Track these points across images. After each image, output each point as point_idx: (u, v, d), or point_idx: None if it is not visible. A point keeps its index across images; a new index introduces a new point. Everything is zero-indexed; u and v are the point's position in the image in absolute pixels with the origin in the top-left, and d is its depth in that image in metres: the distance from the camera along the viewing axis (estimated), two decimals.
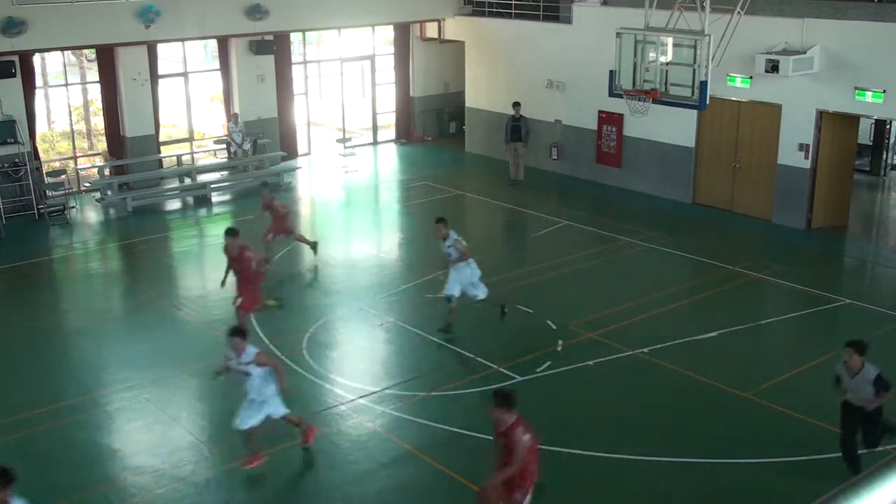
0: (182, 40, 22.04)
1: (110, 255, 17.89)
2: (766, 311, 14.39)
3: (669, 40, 15.45)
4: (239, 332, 9.63)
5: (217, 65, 23.37)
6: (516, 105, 21.45)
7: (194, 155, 23.34)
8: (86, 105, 25.65)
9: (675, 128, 19.66)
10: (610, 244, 17.38)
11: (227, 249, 12.67)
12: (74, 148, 22.31)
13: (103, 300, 15.45)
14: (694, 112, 18.32)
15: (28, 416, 11.09)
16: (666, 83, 15.49)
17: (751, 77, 17.86)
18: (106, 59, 21.07)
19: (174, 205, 20.88)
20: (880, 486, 2.06)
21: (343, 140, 24.29)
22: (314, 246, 16.67)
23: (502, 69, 23.45)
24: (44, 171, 20.39)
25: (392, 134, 26.61)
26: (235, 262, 12.53)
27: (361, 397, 11.42)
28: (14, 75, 19.23)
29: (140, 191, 20.78)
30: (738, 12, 16.12)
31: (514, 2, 23.20)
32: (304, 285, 15.92)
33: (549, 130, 22.34)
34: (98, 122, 23.65)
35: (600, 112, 21.11)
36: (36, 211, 19.47)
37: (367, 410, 11.14)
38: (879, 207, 20.90)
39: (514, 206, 20.09)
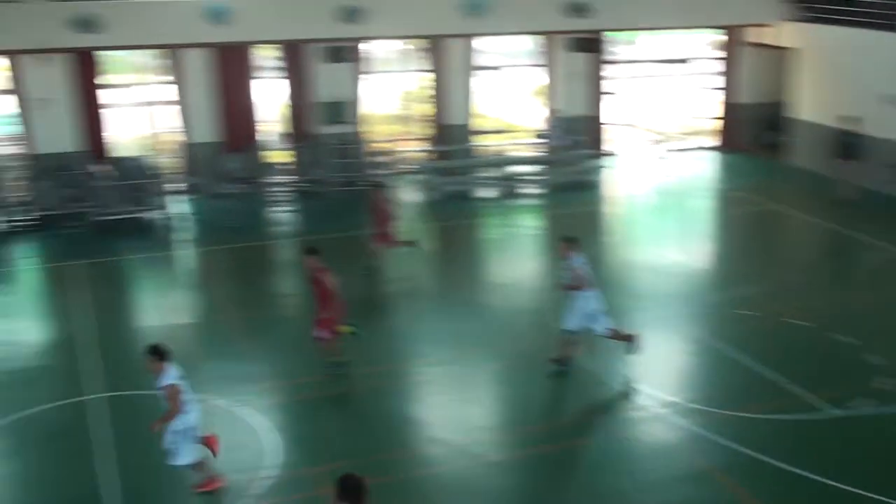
0: (502, 35, 22.63)
1: (430, 234, 18.62)
2: None
3: None
4: (155, 351, 8.67)
5: (537, 60, 23.75)
6: (852, 119, 19.75)
7: (509, 146, 23.99)
8: (414, 91, 27.20)
9: None
10: None
11: (304, 267, 11.87)
12: (398, 132, 23.73)
13: (419, 274, 16.24)
14: None
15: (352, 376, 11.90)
16: None
17: None
18: (436, 49, 22.17)
19: (485, 193, 21.45)
20: None
21: (658, 142, 23.78)
22: (412, 246, 16.36)
23: (833, 79, 21.71)
24: (370, 151, 21.89)
25: (709, 141, 25.62)
26: (313, 283, 11.69)
27: (663, 406, 11.03)
28: (352, 60, 20.90)
29: (454, 177, 21.60)
30: None
31: (855, 8, 21.34)
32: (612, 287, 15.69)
33: (886, 148, 20.34)
34: (418, 108, 24.98)
35: None
36: (359, 186, 20.85)
37: (665, 420, 10.73)
38: None
39: (839, 227, 18.52)
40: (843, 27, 21.65)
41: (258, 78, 21.45)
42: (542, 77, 23.50)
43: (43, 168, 19.11)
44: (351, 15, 19.82)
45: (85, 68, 19.87)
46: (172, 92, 20.94)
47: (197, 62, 20.46)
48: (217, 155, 20.85)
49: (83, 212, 18.70)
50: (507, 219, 19.94)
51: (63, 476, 9.86)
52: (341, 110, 21.10)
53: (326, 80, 21.16)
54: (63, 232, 18.39)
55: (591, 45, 22.70)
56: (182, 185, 20.94)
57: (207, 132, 20.87)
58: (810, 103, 22.57)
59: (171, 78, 20.94)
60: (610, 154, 24.27)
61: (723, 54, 24.83)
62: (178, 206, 19.78)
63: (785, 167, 23.28)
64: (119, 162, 19.69)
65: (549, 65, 23.30)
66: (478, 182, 21.89)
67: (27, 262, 17.17)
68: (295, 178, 21.38)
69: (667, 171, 22.90)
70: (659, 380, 11.80)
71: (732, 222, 19.05)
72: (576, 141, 22.88)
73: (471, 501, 9.30)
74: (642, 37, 25.91)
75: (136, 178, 19.03)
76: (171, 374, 8.73)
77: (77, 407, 11.26)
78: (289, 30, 20.10)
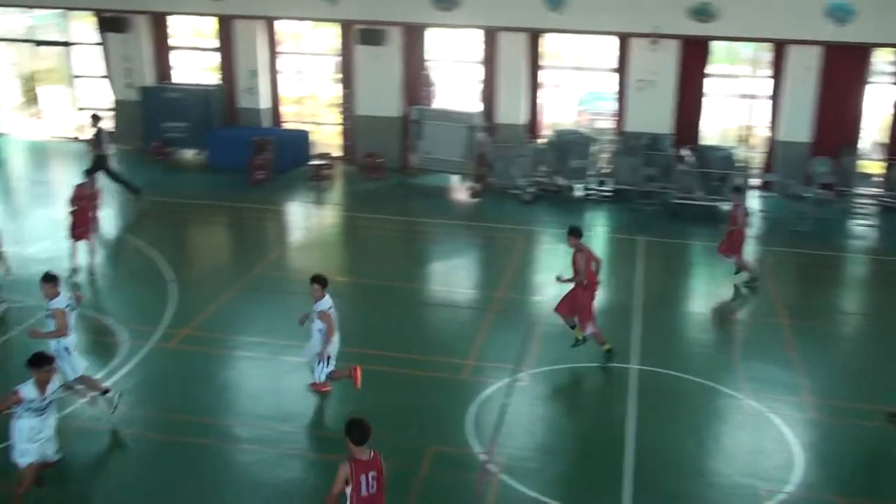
0: None
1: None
2: None
3: None
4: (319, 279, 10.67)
5: None
6: None
7: None
8: None
9: None
10: None
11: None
12: None
13: None
14: None
15: None
16: None
17: None
18: None
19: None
20: None
21: None
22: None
23: None
24: None
25: None
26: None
27: None
28: None
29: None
30: None
31: None
32: None
33: None
34: None
35: None
36: None
37: None
38: None
39: None
40: None
41: (872, 83, 20.02)
42: None
43: (629, 145, 20.21)
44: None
45: (692, 55, 20.42)
46: (770, 86, 20.55)
47: (803, 59, 19.72)
48: (804, 156, 20.00)
49: (660, 192, 19.41)
50: None
51: (587, 427, 10.54)
52: None
53: None
54: (635, 207, 19.32)
55: None
56: (760, 180, 20.56)
57: (799, 131, 20.10)
58: None
59: (770, 72, 20.55)
60: None
61: None
62: (751, 201, 19.47)
63: None
64: (704, 150, 19.96)
65: None
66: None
67: (597, 230, 18.41)
68: (882, 191, 19.63)
69: None
70: None
71: None
72: None
73: None
74: None
75: (719, 167, 19.14)
76: (327, 302, 10.61)
77: (609, 371, 11.86)
78: None
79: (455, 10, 20.02)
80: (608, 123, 21.74)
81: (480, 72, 21.68)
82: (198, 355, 12.12)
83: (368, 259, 16.47)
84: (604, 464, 9.72)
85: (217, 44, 22.92)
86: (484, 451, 9.85)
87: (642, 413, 10.68)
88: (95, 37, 22.90)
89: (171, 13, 22.26)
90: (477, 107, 21.64)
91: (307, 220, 19.11)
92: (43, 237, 16.19)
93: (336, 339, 10.88)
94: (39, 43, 23.89)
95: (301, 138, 22.37)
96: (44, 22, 24.11)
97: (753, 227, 15.90)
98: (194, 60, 23.57)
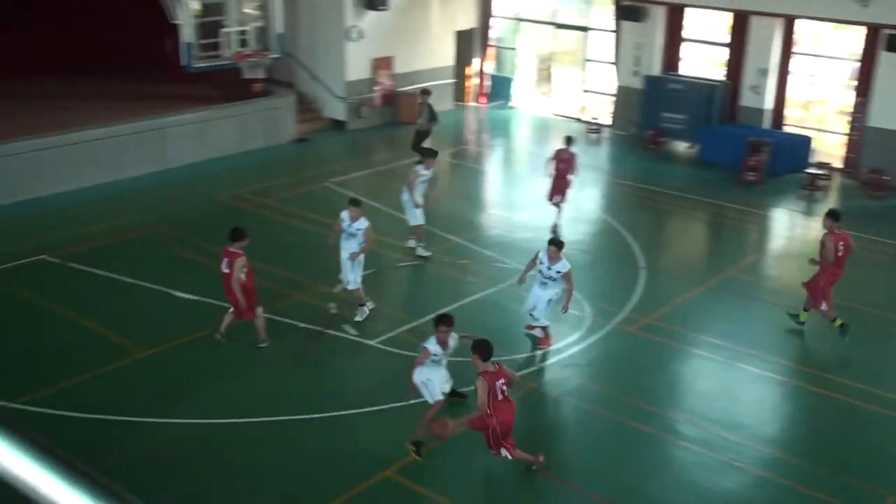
0: None
1: None
2: None
3: None
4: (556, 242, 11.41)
5: None
6: None
7: None
8: None
9: None
10: None
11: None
12: None
13: None
14: None
15: None
16: None
17: None
18: None
19: None
20: None
21: None
22: None
23: None
24: None
25: None
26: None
27: None
28: None
29: None
30: None
31: None
32: None
33: None
34: None
35: None
36: None
37: None
38: None
39: None
40: None
41: None
42: None
43: None
44: None
45: None
46: None
47: None
48: None
49: None
50: None
51: None
52: None
53: None
54: None
55: None
56: None
57: None
58: None
59: None
60: None
61: None
62: None
63: None
64: None
65: None
66: None
67: None
68: None
69: None
70: None
71: None
72: None
73: None
74: None
75: None
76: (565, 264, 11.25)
77: None
78: None
79: None
80: None
81: None
82: (656, 345, 12.07)
83: (862, 282, 14.72)
84: None
85: (728, 39, 22.47)
86: None
87: None
88: (611, 24, 23.76)
89: (689, 5, 22.27)
90: None
91: (791, 230, 18.01)
92: (530, 205, 17.27)
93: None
94: (560, 26, 25.46)
95: (801, 144, 21.09)
96: (567, 6, 25.62)
97: None
98: (703, 54, 23.37)
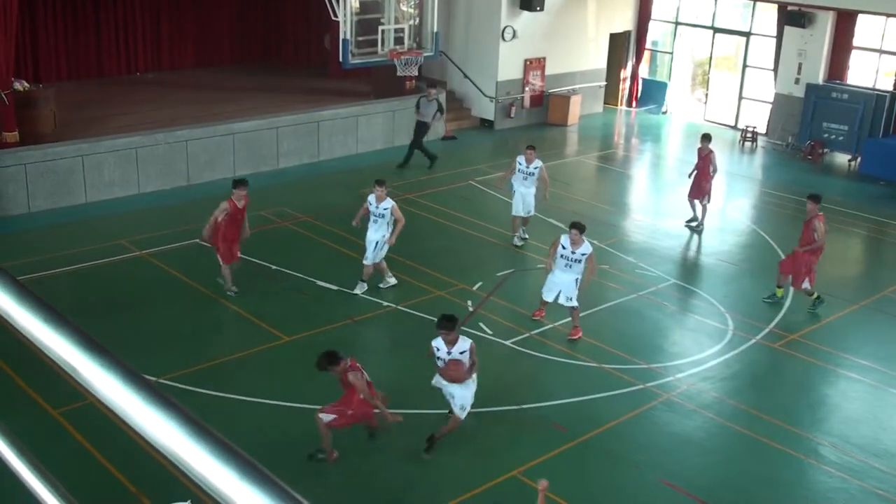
0: None
1: None
2: None
3: None
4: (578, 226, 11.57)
5: None
6: None
7: None
8: None
9: None
10: None
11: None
12: None
13: None
14: None
15: None
16: None
17: None
18: None
19: None
20: None
21: None
22: None
23: None
24: None
25: None
26: None
27: None
28: None
29: None
30: None
31: None
32: None
33: None
34: None
35: None
36: None
37: None
38: None
39: None
40: None
41: None
42: None
43: None
44: None
45: None
46: None
47: None
48: None
49: None
50: None
51: None
52: None
53: None
54: None
55: None
56: None
57: None
58: None
59: None
60: None
61: None
62: None
63: None
64: None
65: None
66: None
67: None
68: None
69: None
70: None
71: None
72: None
73: None
74: None
75: None
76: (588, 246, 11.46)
77: None
78: None
79: None
80: None
81: None
82: (800, 363, 11.61)
83: None
84: None
85: None
86: None
87: None
88: (773, 29, 22.91)
89: (862, 12, 21.20)
90: None
91: None
92: (676, 213, 16.89)
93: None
94: (719, 30, 24.74)
95: None
96: (728, 10, 24.87)
97: None
98: (872, 63, 22.21)
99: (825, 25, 21.87)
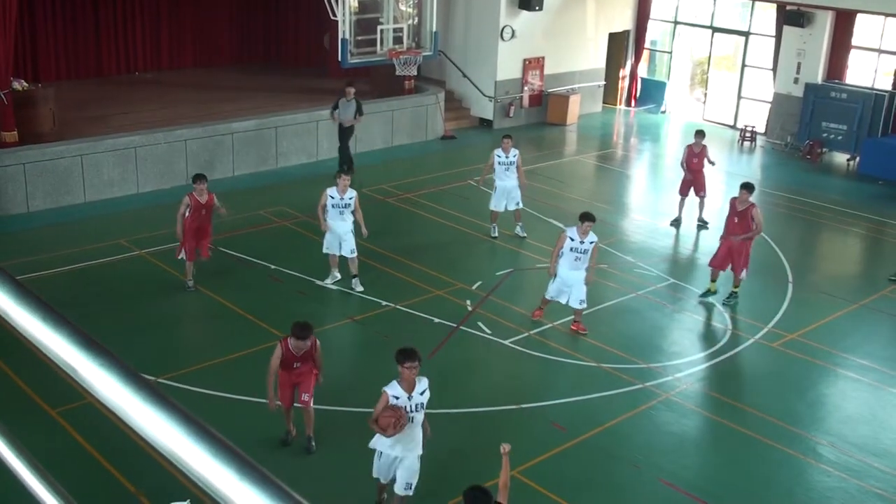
0: None
1: None
2: None
3: None
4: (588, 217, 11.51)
5: None
6: None
7: None
8: None
9: None
10: None
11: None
12: None
13: None
14: None
15: None
16: None
17: None
18: None
19: None
20: None
21: None
22: None
23: None
24: None
25: None
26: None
27: None
28: None
29: None
30: None
31: None
32: None
33: None
34: None
35: None
36: None
37: None
38: None
39: None
40: None
41: None
42: None
43: None
44: None
45: None
46: None
47: None
48: None
49: None
50: None
51: None
52: None
53: None
54: None
55: None
56: None
57: None
58: None
59: None
60: None
61: None
62: None
63: None
64: None
65: None
66: None
67: None
68: None
69: None
70: None
71: None
72: None
73: None
74: None
75: None
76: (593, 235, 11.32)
77: None
78: None
79: None
80: None
81: None
82: (799, 362, 11.61)
83: None
84: None
85: None
86: None
87: None
88: (773, 29, 22.92)
89: (861, 11, 21.20)
90: None
91: None
92: (672, 212, 16.87)
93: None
94: (718, 30, 24.75)
95: None
96: (727, 10, 24.86)
97: None
98: (871, 63, 22.22)
99: (824, 25, 21.87)
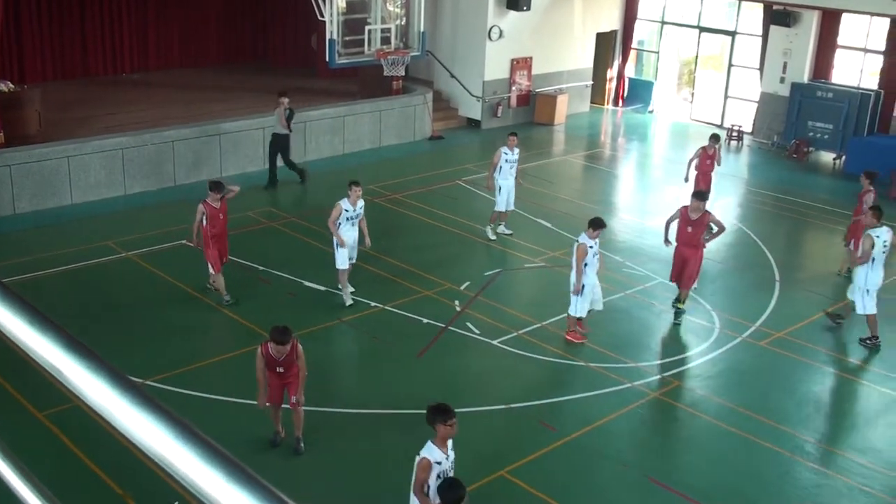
0: None
1: None
2: None
3: None
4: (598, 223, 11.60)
5: None
6: None
7: None
8: None
9: None
10: None
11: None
12: None
13: None
14: None
15: None
16: None
17: None
18: None
19: None
20: None
21: None
22: None
23: None
24: None
25: None
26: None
27: None
28: None
29: None
30: None
31: None
32: None
33: None
34: None
35: None
36: None
37: None
38: None
39: None
40: None
41: None
42: None
43: None
44: None
45: None
46: None
47: None
48: None
49: None
50: None
51: None
52: None
53: None
54: None
55: None
56: None
57: None
58: None
59: None
60: None
61: None
62: None
63: None
64: None
65: None
66: None
67: None
68: None
69: None
70: None
71: None
72: None
73: None
74: None
75: None
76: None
77: None
78: None
79: None
80: None
81: None
82: (787, 360, 11.67)
83: None
84: None
85: (883, 47, 21.39)
86: None
87: None
88: (759, 28, 23.01)
89: (847, 11, 21.30)
90: None
91: None
92: (663, 212, 16.90)
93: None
94: (705, 30, 24.84)
95: None
96: (714, 10, 24.95)
97: None
98: (857, 62, 22.33)
99: (810, 24, 21.98)
